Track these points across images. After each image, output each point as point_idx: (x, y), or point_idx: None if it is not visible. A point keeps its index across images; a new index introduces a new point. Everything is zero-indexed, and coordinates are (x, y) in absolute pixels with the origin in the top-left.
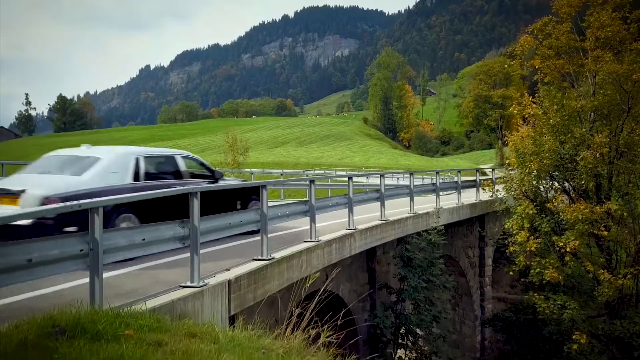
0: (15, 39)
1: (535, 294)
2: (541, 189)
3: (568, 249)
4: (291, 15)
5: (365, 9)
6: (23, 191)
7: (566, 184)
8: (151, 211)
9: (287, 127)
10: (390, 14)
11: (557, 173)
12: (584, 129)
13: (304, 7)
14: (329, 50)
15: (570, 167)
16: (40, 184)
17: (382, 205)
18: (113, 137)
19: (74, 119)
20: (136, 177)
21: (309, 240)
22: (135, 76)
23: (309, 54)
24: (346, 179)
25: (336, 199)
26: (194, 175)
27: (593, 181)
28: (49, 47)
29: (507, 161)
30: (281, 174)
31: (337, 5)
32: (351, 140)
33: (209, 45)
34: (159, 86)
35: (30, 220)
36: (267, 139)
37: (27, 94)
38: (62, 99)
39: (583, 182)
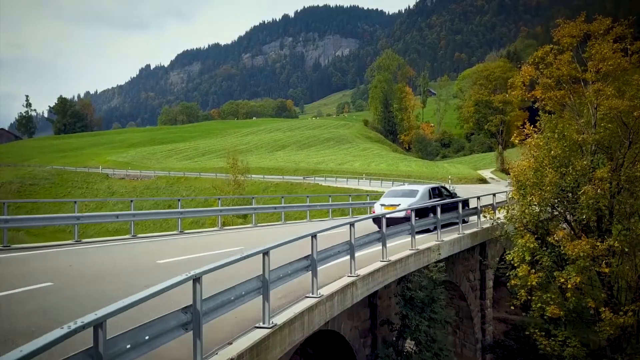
0: (16, 38)
1: (537, 331)
2: (542, 221)
3: (569, 285)
4: (291, 14)
5: (365, 8)
6: (398, 204)
7: (568, 216)
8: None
9: (287, 129)
10: (390, 13)
11: (557, 203)
12: (584, 162)
13: (304, 7)
14: (329, 50)
15: (572, 199)
16: (403, 202)
17: (384, 245)
18: (114, 139)
19: (74, 120)
20: (429, 197)
21: (310, 295)
22: (135, 76)
23: (309, 53)
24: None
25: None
26: (446, 195)
27: (595, 215)
28: (49, 46)
29: (508, 187)
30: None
31: (337, 5)
32: (351, 144)
33: (209, 45)
34: (159, 86)
35: (403, 214)
36: (267, 141)
37: (27, 96)
38: (62, 100)
39: (584, 217)
